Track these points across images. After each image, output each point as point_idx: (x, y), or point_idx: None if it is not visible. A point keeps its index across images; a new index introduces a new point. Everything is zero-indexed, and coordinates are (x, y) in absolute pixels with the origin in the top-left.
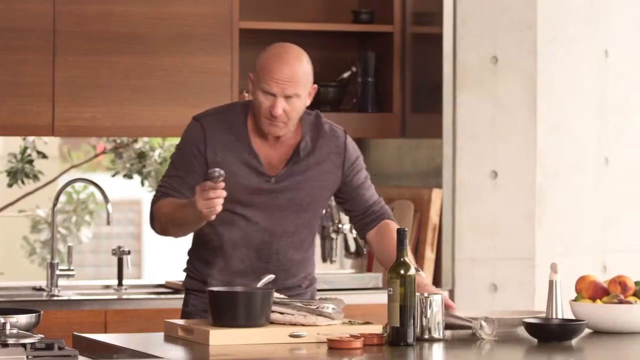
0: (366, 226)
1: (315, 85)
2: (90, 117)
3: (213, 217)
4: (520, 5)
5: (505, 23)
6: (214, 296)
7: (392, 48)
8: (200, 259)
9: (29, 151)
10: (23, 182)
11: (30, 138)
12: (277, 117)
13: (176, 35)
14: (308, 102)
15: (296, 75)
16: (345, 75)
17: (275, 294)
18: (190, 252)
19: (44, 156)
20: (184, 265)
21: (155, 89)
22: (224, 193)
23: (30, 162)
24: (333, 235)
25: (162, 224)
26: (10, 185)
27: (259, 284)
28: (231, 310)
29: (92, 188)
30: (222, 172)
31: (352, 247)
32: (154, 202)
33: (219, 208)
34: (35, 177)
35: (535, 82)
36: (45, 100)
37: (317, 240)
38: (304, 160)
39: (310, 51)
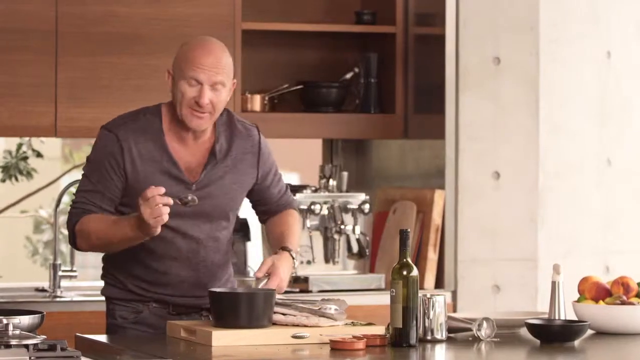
0: (270, 217)
1: (235, 81)
2: (92, 118)
3: (159, 230)
4: (522, 6)
5: (507, 24)
6: (216, 297)
7: (395, 49)
8: (121, 268)
9: (24, 148)
10: (17, 179)
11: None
12: (203, 106)
13: (178, 36)
14: (228, 98)
15: (221, 63)
16: (348, 76)
17: (278, 295)
18: (107, 260)
19: (39, 154)
20: (101, 272)
21: (157, 90)
22: (170, 201)
23: (25, 159)
24: (335, 236)
25: (91, 241)
26: (3, 181)
27: (260, 286)
28: (233, 312)
29: None
30: (195, 198)
31: (355, 248)
32: (74, 220)
33: (166, 217)
34: (29, 175)
35: (538, 82)
36: (47, 101)
37: (320, 240)
38: (221, 163)
39: (312, 52)
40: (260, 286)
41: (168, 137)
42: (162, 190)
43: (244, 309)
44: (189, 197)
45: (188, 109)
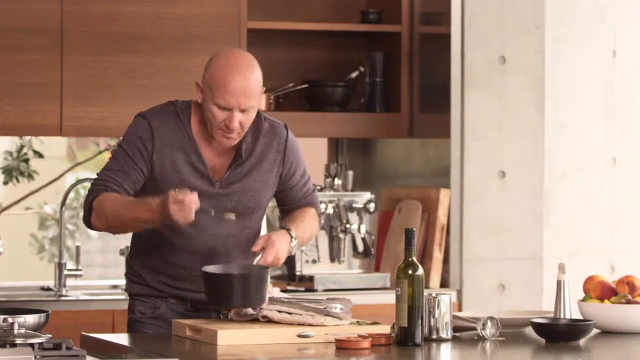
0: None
1: (264, 87)
2: (97, 117)
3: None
4: (527, 5)
5: (512, 23)
6: (208, 278)
7: (400, 48)
8: (143, 263)
9: (25, 150)
10: (18, 180)
11: (27, 137)
12: (233, 130)
13: (184, 35)
14: (259, 105)
15: (251, 87)
16: (353, 75)
17: (282, 294)
18: (131, 256)
19: (40, 155)
20: (125, 270)
21: (163, 89)
22: (198, 204)
23: (26, 161)
24: (341, 236)
25: (107, 219)
26: (5, 183)
27: (254, 262)
28: (227, 292)
29: None
30: (232, 218)
31: (360, 247)
32: (92, 196)
33: (192, 216)
34: (30, 176)
35: (543, 82)
36: (52, 100)
37: (325, 239)
38: (246, 162)
39: (318, 51)
40: (255, 261)
41: (196, 135)
42: (196, 195)
43: (237, 289)
44: (227, 216)
45: (218, 130)
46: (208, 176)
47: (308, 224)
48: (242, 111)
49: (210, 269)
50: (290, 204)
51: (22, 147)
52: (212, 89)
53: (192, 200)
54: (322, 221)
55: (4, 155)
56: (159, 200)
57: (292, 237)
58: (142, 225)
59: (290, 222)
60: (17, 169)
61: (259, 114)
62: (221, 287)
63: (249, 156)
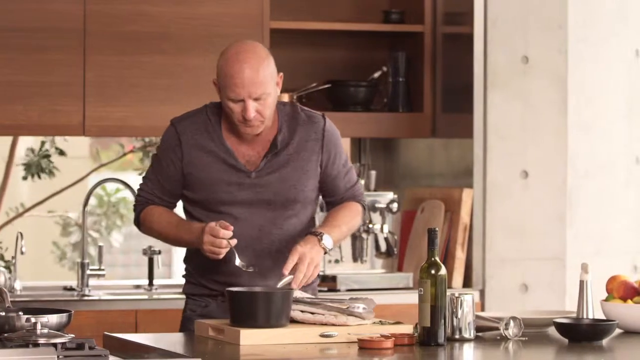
0: (334, 206)
1: (281, 74)
2: (120, 117)
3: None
4: (550, 4)
5: (535, 23)
6: (233, 297)
7: (423, 48)
8: (195, 263)
9: (47, 146)
10: (39, 177)
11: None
12: (251, 120)
13: (207, 35)
14: (278, 92)
15: (259, 74)
16: (376, 75)
17: (306, 295)
18: (186, 258)
19: (62, 152)
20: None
21: (186, 89)
22: (233, 242)
23: (47, 157)
24: (364, 235)
25: (153, 233)
26: (24, 178)
27: (279, 285)
28: (251, 311)
29: (123, 192)
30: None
31: (383, 247)
32: (139, 207)
33: (221, 256)
34: (51, 173)
35: (566, 81)
36: (75, 100)
37: (348, 239)
38: (282, 152)
39: (340, 51)
40: (280, 284)
41: (226, 132)
42: (230, 230)
43: (261, 308)
44: (249, 268)
45: (238, 122)
46: (242, 169)
47: (345, 218)
48: (256, 100)
49: (235, 289)
50: (334, 195)
51: (43, 143)
52: (223, 84)
53: (226, 235)
54: None
55: (25, 152)
56: (200, 226)
57: (317, 236)
58: (184, 246)
59: (324, 223)
60: (38, 165)
61: (295, 106)
62: (245, 306)
63: (286, 147)
